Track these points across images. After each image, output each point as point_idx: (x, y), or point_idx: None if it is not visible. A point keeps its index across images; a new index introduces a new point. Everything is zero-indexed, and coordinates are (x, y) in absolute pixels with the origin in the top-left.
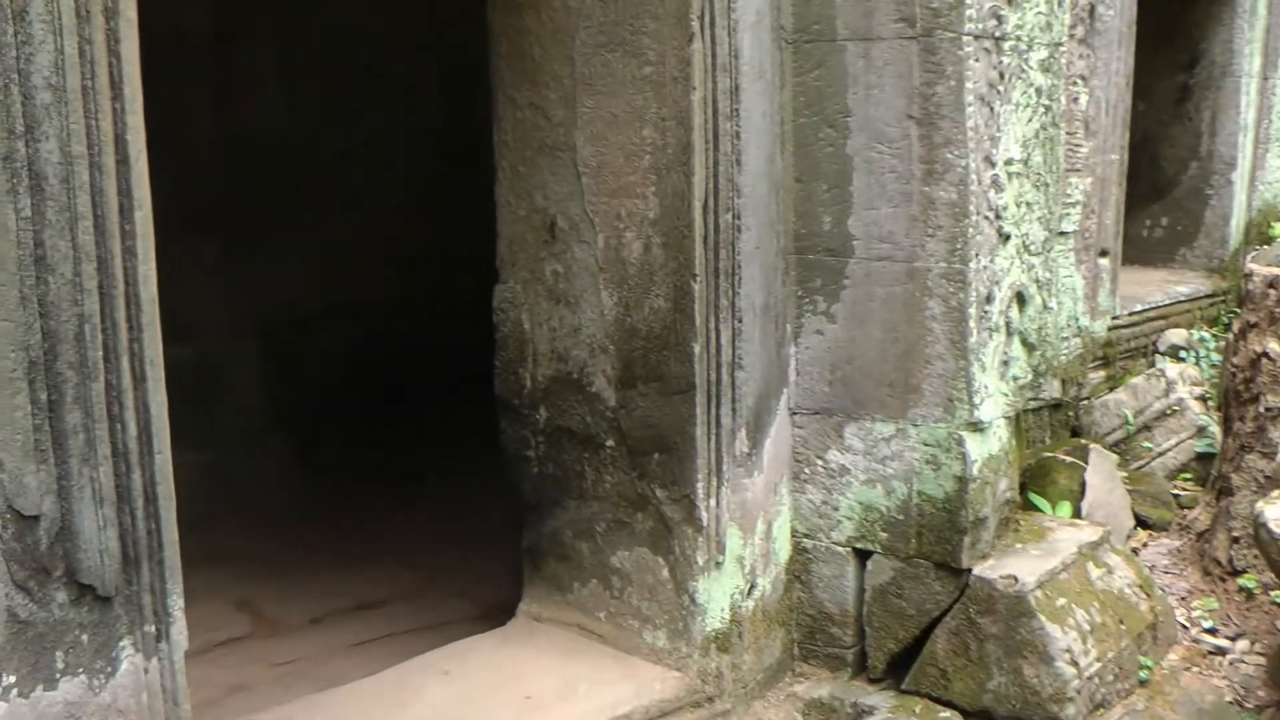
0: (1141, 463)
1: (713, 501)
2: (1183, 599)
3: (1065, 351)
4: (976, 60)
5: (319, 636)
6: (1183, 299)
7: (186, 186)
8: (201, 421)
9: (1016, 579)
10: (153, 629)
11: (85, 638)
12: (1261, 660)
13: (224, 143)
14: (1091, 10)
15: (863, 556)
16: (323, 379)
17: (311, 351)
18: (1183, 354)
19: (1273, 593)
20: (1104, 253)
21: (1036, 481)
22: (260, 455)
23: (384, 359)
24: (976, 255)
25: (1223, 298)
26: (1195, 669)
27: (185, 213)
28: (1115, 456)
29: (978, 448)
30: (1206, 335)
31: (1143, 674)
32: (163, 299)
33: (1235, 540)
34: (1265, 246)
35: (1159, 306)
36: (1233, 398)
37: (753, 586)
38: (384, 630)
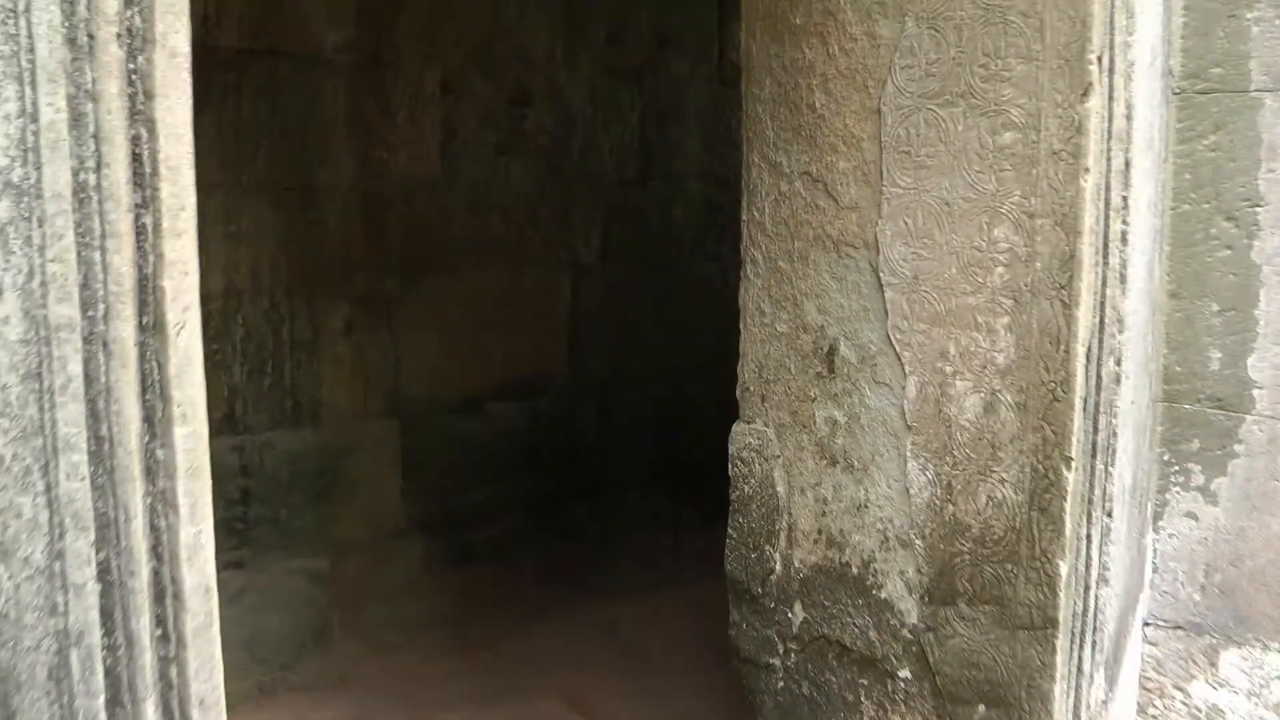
0: None
1: None
2: None
3: None
4: None
5: None
6: None
7: (313, 241)
8: (326, 521)
9: None
10: None
11: None
12: None
13: (363, 187)
14: None
15: None
16: (471, 472)
17: (462, 438)
18: None
19: None
20: None
21: None
22: (393, 561)
23: (557, 447)
24: None
25: None
26: None
27: (311, 273)
28: None
29: None
30: None
31: None
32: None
33: None
34: None
35: None
36: None
37: None
38: None
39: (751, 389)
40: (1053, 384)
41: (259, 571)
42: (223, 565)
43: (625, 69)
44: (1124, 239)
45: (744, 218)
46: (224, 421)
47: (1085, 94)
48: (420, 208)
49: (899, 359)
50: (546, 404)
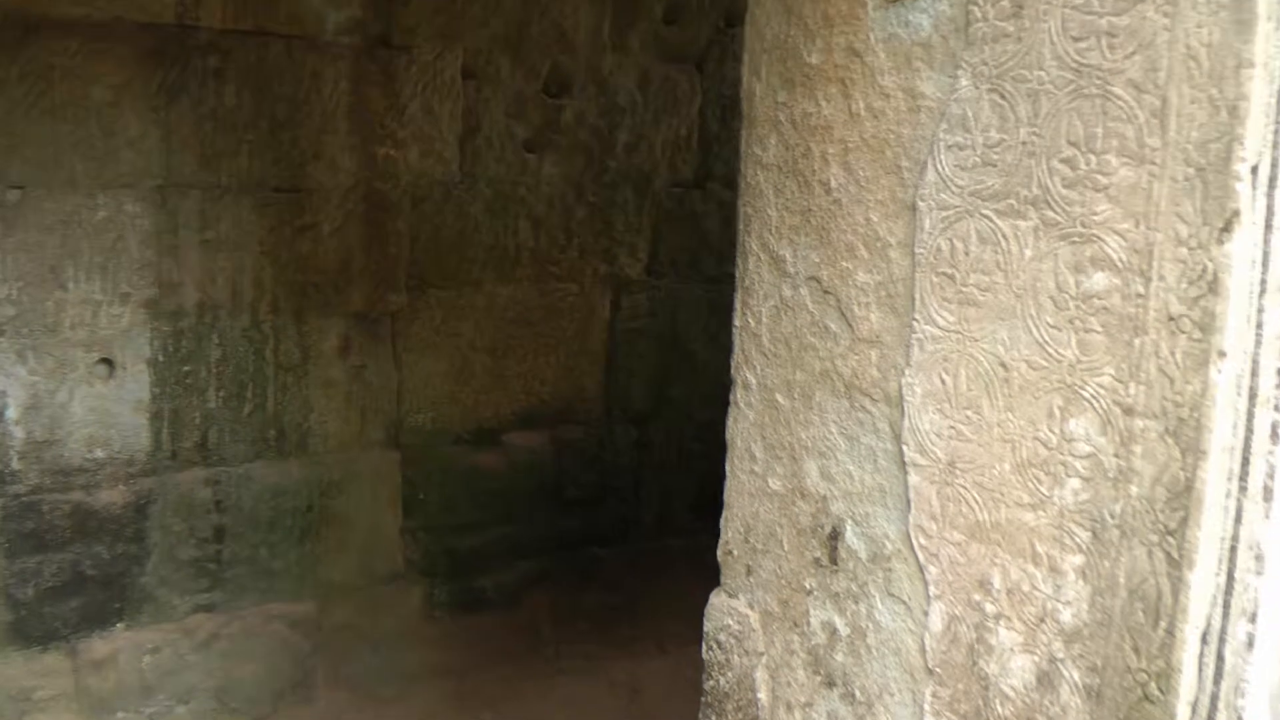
0: None
1: None
2: None
3: None
4: None
5: None
6: None
7: (304, 249)
8: (311, 562)
9: None
10: None
11: None
12: None
13: (366, 189)
14: None
15: None
16: (483, 509)
17: (474, 472)
18: None
19: None
20: None
21: None
22: (388, 606)
23: (585, 483)
24: None
25: None
26: None
27: (301, 286)
28: None
29: None
30: None
31: None
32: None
33: None
34: None
35: None
36: None
37: None
38: None
39: (735, 554)
40: (1144, 675)
41: (233, 615)
42: (190, 609)
43: (684, 52)
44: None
45: (737, 323)
46: (196, 451)
47: (1227, 227)
48: (432, 212)
49: (922, 572)
50: (575, 435)
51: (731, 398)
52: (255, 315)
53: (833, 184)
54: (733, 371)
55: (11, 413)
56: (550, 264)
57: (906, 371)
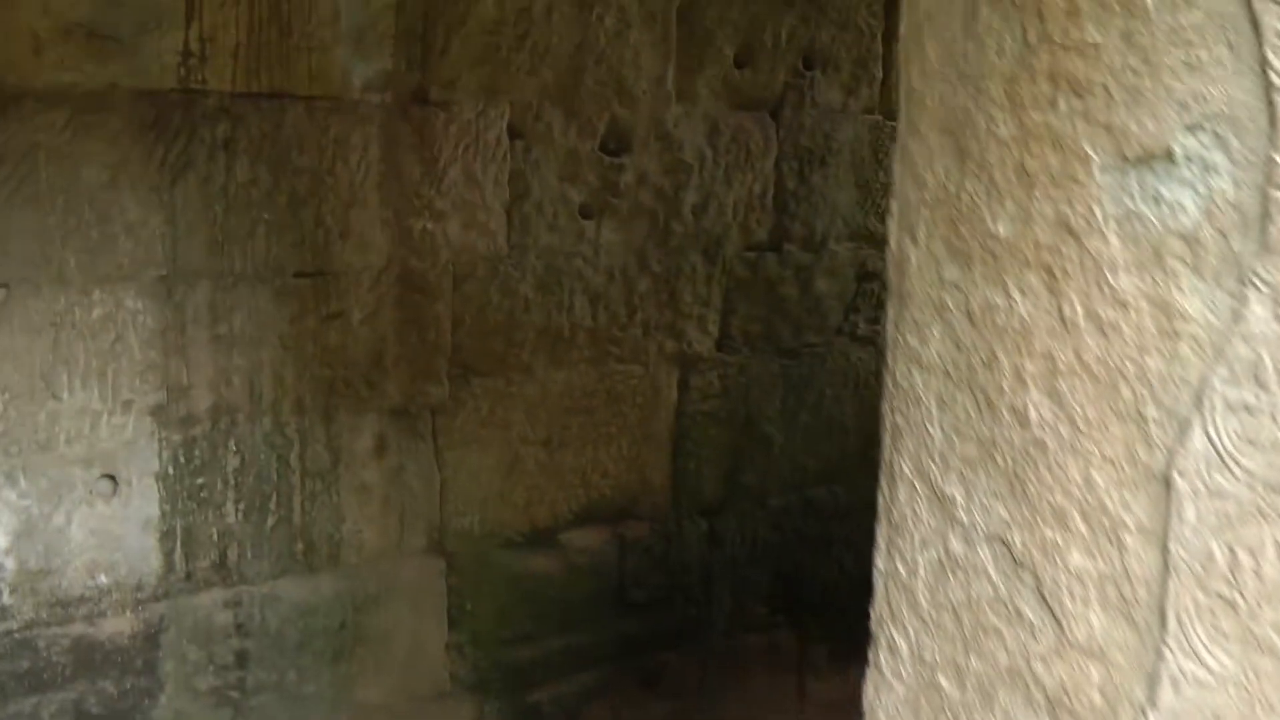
0: None
1: None
2: None
3: None
4: None
5: None
6: None
7: (332, 341)
8: (346, 684)
9: None
10: None
11: None
12: None
13: (400, 269)
14: None
15: None
16: (538, 618)
17: (527, 578)
18: None
19: None
20: None
21: None
22: None
23: (651, 583)
24: None
25: None
26: None
27: (329, 382)
28: None
29: None
30: None
31: None
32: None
33: None
34: None
35: None
36: None
37: None
38: None
39: None
40: None
41: None
42: None
43: (758, 99)
44: None
45: (880, 564)
46: (213, 571)
47: None
48: (477, 291)
49: None
50: (639, 531)
51: (871, 656)
52: (277, 417)
53: (1032, 415)
54: (873, 624)
55: (1, 542)
56: (610, 343)
57: (1151, 715)
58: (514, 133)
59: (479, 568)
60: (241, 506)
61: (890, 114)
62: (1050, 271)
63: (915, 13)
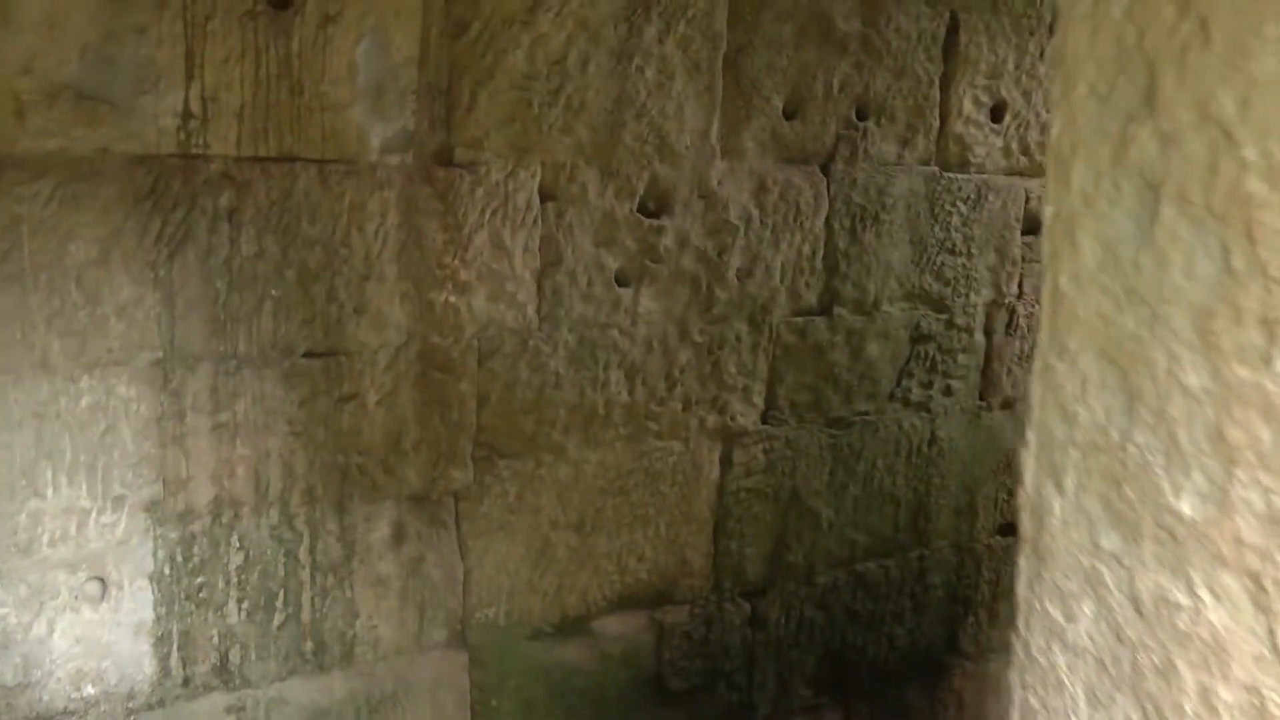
0: None
1: None
2: None
3: None
4: None
5: None
6: None
7: (345, 425)
8: None
9: None
10: None
11: None
12: None
13: (421, 346)
14: None
15: None
16: (569, 712)
17: (558, 670)
18: None
19: None
20: None
21: None
22: None
23: (691, 670)
24: None
25: None
26: None
27: (342, 469)
28: None
29: None
30: None
31: None
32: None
33: None
34: None
35: None
36: None
37: None
38: None
39: None
40: None
41: None
42: None
43: (808, 153)
44: None
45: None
46: (214, 674)
47: None
48: (503, 368)
49: None
50: (678, 617)
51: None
52: (285, 509)
53: None
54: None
55: None
56: (648, 419)
57: None
58: (545, 195)
59: (505, 661)
60: (245, 605)
61: (947, 165)
62: (1258, 581)
63: (1067, 194)
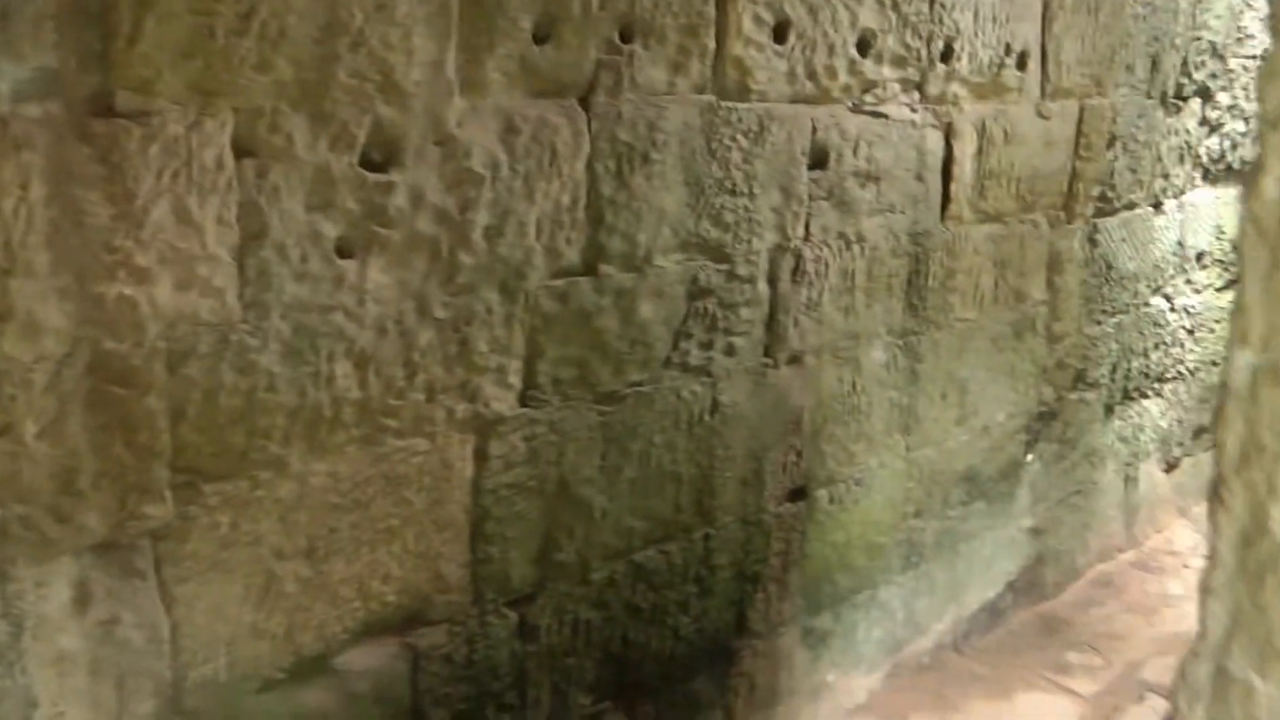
0: None
1: None
2: None
3: None
4: None
5: None
6: None
7: (2, 469)
8: None
9: None
10: None
11: None
12: None
13: (90, 354)
14: None
15: None
16: None
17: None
18: None
19: None
20: None
21: None
22: None
23: (454, 696)
24: None
25: None
26: None
27: (6, 523)
28: None
29: None
30: None
31: None
32: None
33: None
34: None
35: None
36: None
37: None
38: None
39: None
40: None
41: None
42: None
43: (564, 84)
44: None
45: None
46: None
47: None
48: (202, 372)
49: None
50: (435, 638)
51: None
52: None
53: None
54: None
55: None
56: (385, 416)
57: None
58: (242, 150)
59: None
60: None
61: (725, 93)
62: None
63: None
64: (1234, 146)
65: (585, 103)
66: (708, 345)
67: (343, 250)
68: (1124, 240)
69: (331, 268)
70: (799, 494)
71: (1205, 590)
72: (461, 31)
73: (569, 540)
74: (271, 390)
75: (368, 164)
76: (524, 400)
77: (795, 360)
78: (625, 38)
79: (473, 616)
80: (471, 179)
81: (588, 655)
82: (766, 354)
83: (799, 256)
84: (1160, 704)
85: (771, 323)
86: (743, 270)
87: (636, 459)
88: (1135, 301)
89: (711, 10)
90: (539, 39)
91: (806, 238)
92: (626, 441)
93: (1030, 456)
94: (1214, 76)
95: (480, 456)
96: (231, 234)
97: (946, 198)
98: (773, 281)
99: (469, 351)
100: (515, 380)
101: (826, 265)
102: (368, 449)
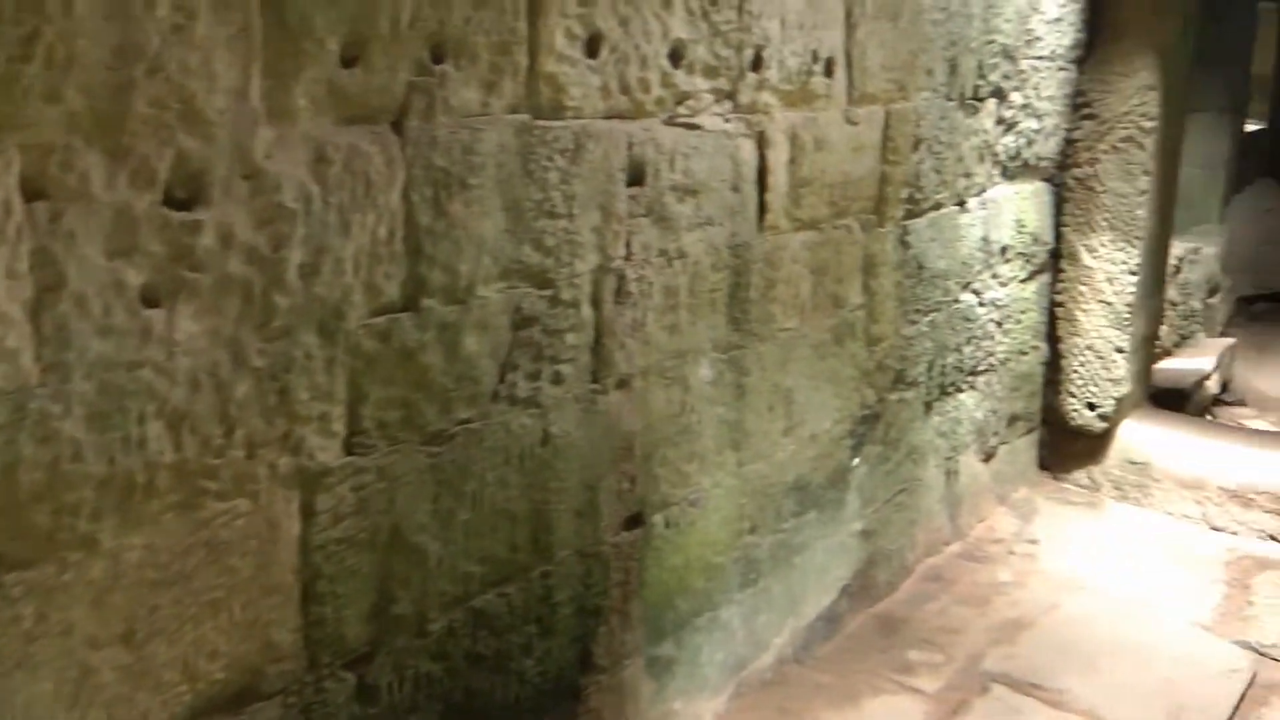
0: None
1: None
2: None
3: None
4: None
5: None
6: None
7: None
8: None
9: None
10: None
11: None
12: None
13: None
14: None
15: None
16: None
17: None
18: None
19: None
20: None
21: None
22: None
23: None
24: None
25: None
26: None
27: None
28: None
29: None
30: None
31: None
32: None
33: None
34: None
35: None
36: None
37: None
38: None
39: None
40: None
41: None
42: None
43: (375, 109)
44: None
45: None
46: None
47: None
48: None
49: None
50: (270, 713)
51: None
52: None
53: None
54: None
55: None
56: (204, 477)
57: None
58: (32, 192)
59: None
60: None
61: (540, 111)
62: None
63: None
64: (1029, 143)
65: (398, 128)
66: (535, 375)
67: (149, 299)
68: (933, 240)
69: (137, 319)
70: (635, 521)
71: None
72: (265, 55)
73: (405, 591)
74: (77, 460)
75: (172, 202)
76: (349, 448)
77: (624, 384)
78: (437, 58)
79: (308, 684)
80: (283, 214)
81: (430, 711)
82: (594, 380)
83: (621, 277)
84: (1004, 693)
85: (598, 347)
86: (566, 295)
87: (469, 500)
88: (947, 299)
89: (524, 26)
90: (347, 62)
91: (628, 257)
92: (458, 482)
93: (857, 460)
94: (1007, 77)
95: (307, 512)
96: (24, 288)
97: (763, 208)
98: (596, 304)
99: (289, 401)
100: (339, 427)
101: (650, 284)
102: (187, 515)
